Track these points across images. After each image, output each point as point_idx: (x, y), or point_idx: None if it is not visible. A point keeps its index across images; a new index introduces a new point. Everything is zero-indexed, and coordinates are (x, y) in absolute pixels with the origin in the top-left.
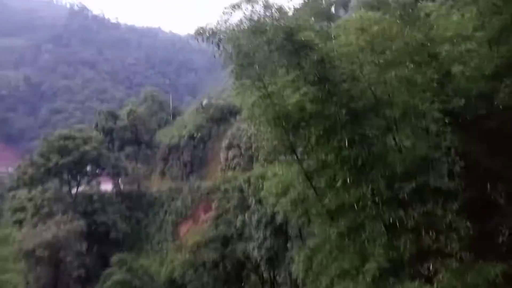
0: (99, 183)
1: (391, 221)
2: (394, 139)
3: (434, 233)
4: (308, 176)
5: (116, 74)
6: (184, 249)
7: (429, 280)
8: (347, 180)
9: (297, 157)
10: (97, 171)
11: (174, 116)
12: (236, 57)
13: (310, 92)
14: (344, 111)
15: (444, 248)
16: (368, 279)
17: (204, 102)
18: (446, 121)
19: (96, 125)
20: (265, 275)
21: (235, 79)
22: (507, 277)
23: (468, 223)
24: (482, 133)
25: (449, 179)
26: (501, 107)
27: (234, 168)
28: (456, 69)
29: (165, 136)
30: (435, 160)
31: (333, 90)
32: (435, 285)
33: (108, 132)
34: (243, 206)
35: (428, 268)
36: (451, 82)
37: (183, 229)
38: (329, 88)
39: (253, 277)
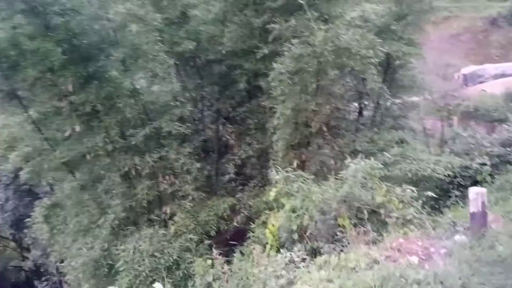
0: None
1: (128, 169)
2: (129, 82)
3: (170, 177)
4: (38, 126)
5: None
6: None
7: (166, 223)
8: (78, 129)
9: (22, 104)
10: None
11: None
12: None
13: (23, 24)
14: (65, 49)
15: (180, 190)
16: (105, 231)
17: None
18: (179, 64)
19: None
20: (12, 238)
21: None
22: (232, 209)
23: (198, 164)
24: (213, 76)
25: (183, 122)
26: (225, 51)
27: None
28: (191, 11)
29: None
30: (168, 104)
31: (50, 23)
32: (170, 227)
33: None
34: None
35: (165, 212)
36: (186, 24)
37: None
38: (45, 20)
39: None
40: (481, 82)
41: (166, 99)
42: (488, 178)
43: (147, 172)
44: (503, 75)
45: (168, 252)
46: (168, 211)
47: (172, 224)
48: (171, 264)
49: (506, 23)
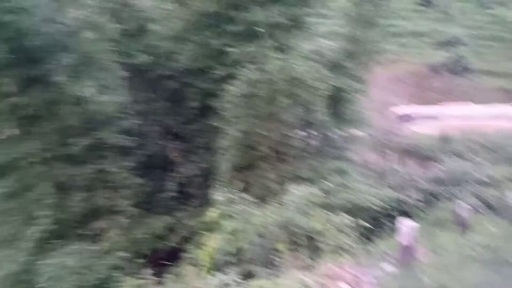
0: None
1: (63, 179)
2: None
3: (108, 191)
4: None
5: None
6: None
7: (98, 238)
8: (16, 133)
9: None
10: None
11: None
12: None
13: None
14: (11, 48)
15: (117, 205)
16: (29, 244)
17: None
18: (132, 76)
19: None
20: None
21: None
22: (170, 228)
23: (140, 180)
24: (165, 92)
25: (128, 136)
26: (181, 68)
27: None
28: (151, 25)
29: None
30: (115, 115)
31: None
32: (102, 243)
33: None
34: None
35: (98, 227)
36: (144, 38)
37: None
38: None
39: None
40: (414, 123)
41: (114, 110)
42: (419, 213)
43: (84, 183)
44: (434, 118)
45: (97, 270)
46: (101, 226)
47: (104, 240)
48: (99, 282)
49: (446, 71)
